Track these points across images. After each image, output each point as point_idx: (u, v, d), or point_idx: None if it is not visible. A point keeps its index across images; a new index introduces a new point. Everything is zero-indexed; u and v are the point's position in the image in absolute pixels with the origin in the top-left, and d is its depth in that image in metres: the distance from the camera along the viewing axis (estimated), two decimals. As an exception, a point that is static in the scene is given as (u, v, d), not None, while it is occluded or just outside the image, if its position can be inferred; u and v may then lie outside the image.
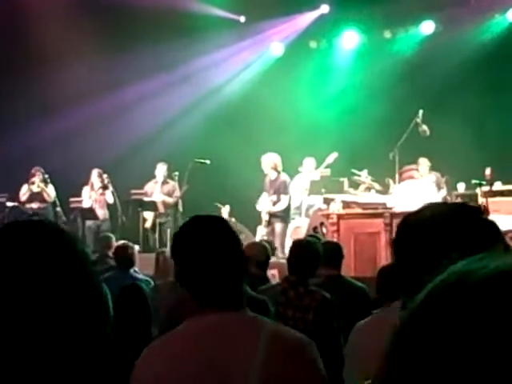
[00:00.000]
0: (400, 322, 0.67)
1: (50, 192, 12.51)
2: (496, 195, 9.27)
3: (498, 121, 12.22)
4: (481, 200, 9.06)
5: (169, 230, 11.88)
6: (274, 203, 11.36)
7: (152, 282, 6.89)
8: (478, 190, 9.45)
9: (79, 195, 12.51)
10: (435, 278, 0.68)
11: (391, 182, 10.02)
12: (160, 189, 12.22)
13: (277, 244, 10.26)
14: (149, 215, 12.07)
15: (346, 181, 10.37)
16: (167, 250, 8.20)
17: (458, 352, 0.61)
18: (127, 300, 4.58)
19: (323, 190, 10.54)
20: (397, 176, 10.02)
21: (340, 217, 9.27)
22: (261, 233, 11.14)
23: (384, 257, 8.48)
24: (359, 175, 10.35)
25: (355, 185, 10.36)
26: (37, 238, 1.30)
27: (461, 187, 10.99)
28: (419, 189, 9.53)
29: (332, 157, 11.26)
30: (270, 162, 11.44)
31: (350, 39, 14.17)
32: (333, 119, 13.08)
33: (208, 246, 2.14)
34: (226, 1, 13.76)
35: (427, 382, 0.62)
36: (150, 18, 13.11)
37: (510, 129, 12.08)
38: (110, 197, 12.35)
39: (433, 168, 11.39)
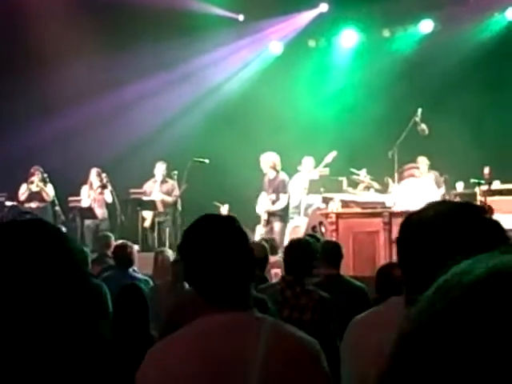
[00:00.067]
0: (406, 324, 0.67)
1: (49, 191, 12.51)
2: (495, 194, 9.27)
3: (497, 119, 12.22)
4: (479, 199, 9.06)
5: (168, 229, 11.89)
6: (273, 202, 11.36)
7: (151, 282, 6.89)
8: (476, 189, 9.45)
9: (78, 194, 12.51)
10: (439, 277, 0.68)
11: (390, 181, 10.02)
12: (159, 188, 12.22)
13: (276, 243, 10.26)
14: (148, 214, 12.07)
15: (344, 180, 10.37)
16: (166, 249, 8.22)
17: (458, 353, 0.61)
18: (126, 300, 4.58)
19: (322, 189, 10.53)
20: (396, 175, 10.02)
21: (339, 216, 9.27)
22: (260, 232, 11.14)
23: (383, 256, 8.48)
24: (358, 174, 10.35)
25: (354, 184, 10.36)
26: (29, 237, 1.30)
27: (459, 186, 10.99)
28: (420, 187, 9.53)
29: (331, 156, 11.25)
30: (268, 161, 11.44)
31: (348, 38, 14.17)
32: (332, 118, 13.08)
33: (218, 245, 2.13)
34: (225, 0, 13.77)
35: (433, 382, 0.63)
36: (149, 17, 13.10)
37: (508, 127, 12.08)
38: (108, 196, 12.35)
39: (431, 167, 11.39)
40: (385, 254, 8.53)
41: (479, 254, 0.68)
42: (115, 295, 4.85)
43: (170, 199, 12.09)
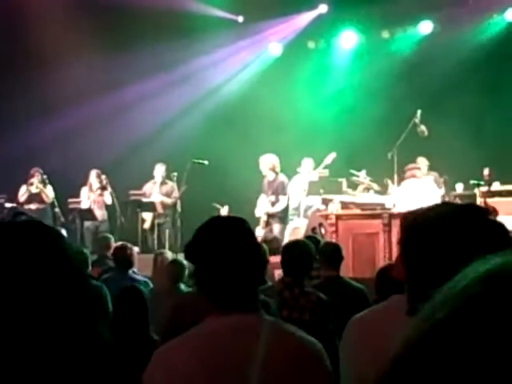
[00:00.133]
0: (408, 332, 0.67)
1: (49, 193, 12.50)
2: (494, 195, 9.27)
3: (497, 121, 12.22)
4: (479, 200, 9.06)
5: (167, 231, 11.89)
6: (273, 204, 11.36)
7: (151, 284, 6.89)
8: (476, 191, 9.46)
9: (78, 196, 12.51)
10: (444, 281, 0.67)
11: (390, 182, 10.01)
12: (158, 189, 12.22)
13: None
14: (147, 216, 12.07)
15: (344, 181, 10.37)
16: (166, 250, 8.22)
17: (458, 363, 0.61)
18: (126, 302, 4.58)
19: (321, 191, 10.53)
20: (395, 176, 10.02)
21: (338, 217, 9.26)
22: (259, 234, 11.13)
23: (382, 257, 8.48)
24: (358, 176, 10.35)
25: (354, 185, 10.35)
26: (26, 239, 1.29)
27: (459, 187, 11.00)
28: (421, 188, 9.53)
29: (330, 157, 11.25)
30: (268, 162, 11.44)
31: (348, 39, 14.17)
32: (331, 119, 13.08)
33: (229, 246, 2.13)
34: (225, 1, 13.76)
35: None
36: (149, 19, 13.10)
37: (508, 129, 12.09)
38: (108, 197, 12.35)
39: (431, 168, 11.40)
40: (384, 255, 8.53)
41: (483, 256, 0.68)
42: (115, 297, 4.85)
43: (169, 201, 12.09)
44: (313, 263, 5.18)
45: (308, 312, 4.85)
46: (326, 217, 9.42)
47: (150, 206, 11.96)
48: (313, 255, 5.17)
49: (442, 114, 11.65)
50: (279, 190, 11.38)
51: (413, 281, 1.66)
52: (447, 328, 0.63)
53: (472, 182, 9.70)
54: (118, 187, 12.42)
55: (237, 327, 2.08)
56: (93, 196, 12.40)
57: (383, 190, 10.17)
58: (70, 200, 12.49)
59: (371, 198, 9.99)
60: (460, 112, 11.93)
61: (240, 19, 14.35)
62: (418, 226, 1.69)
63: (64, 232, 9.99)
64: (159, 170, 12.28)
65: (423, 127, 10.50)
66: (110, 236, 9.06)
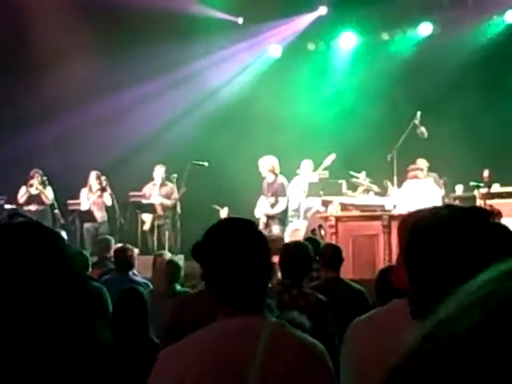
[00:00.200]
0: (419, 338, 0.64)
1: (49, 194, 12.50)
2: (494, 197, 9.27)
3: (496, 122, 12.21)
4: (479, 202, 9.06)
5: (167, 232, 11.89)
6: (273, 205, 11.36)
7: (151, 285, 6.88)
8: (475, 192, 9.46)
9: (77, 197, 12.50)
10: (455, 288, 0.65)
11: (389, 184, 10.01)
12: (158, 191, 12.22)
13: (275, 246, 10.25)
14: (147, 217, 12.06)
15: (344, 183, 10.36)
16: (165, 252, 8.20)
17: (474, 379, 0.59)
18: (125, 303, 4.58)
19: (321, 193, 10.52)
20: (395, 178, 10.02)
21: (338, 219, 9.26)
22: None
23: (382, 259, 8.48)
24: (357, 177, 10.34)
25: (353, 187, 10.35)
26: (24, 241, 1.29)
27: (459, 189, 11.00)
28: (422, 189, 9.53)
29: (330, 159, 11.25)
30: (267, 164, 11.44)
31: (347, 41, 14.18)
32: (331, 121, 13.08)
33: (239, 248, 2.13)
34: (224, 3, 13.77)
35: None
36: (149, 21, 13.10)
37: (508, 130, 12.09)
38: (108, 199, 12.35)
39: (430, 169, 11.40)
40: (384, 257, 8.53)
41: (488, 259, 0.66)
42: (115, 298, 4.85)
43: (169, 202, 12.09)
44: (311, 265, 5.18)
45: (306, 313, 4.85)
46: (326, 218, 9.41)
47: (150, 208, 11.96)
48: (311, 257, 5.16)
49: (442, 116, 11.66)
50: (279, 192, 11.38)
51: (416, 283, 1.66)
52: (470, 344, 0.60)
53: (472, 183, 9.70)
54: (117, 189, 12.42)
55: (242, 329, 2.08)
56: (92, 197, 12.39)
57: (383, 192, 10.16)
58: (70, 201, 12.49)
59: (371, 199, 9.99)
60: (460, 113, 11.93)
61: (240, 21, 14.36)
62: (421, 228, 1.68)
63: (64, 233, 10.00)
64: (159, 171, 12.28)
65: (423, 129, 10.51)
66: (110, 238, 9.05)
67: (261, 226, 11.29)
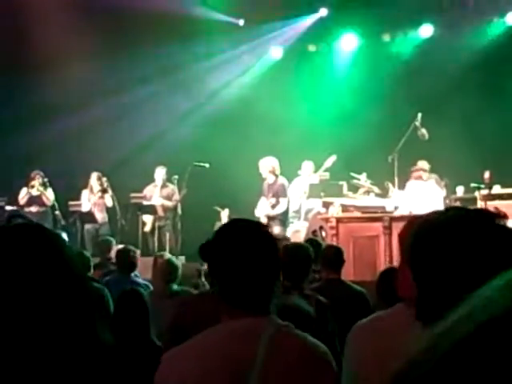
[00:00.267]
0: (423, 347, 0.63)
1: (49, 195, 12.50)
2: (495, 199, 9.27)
3: (497, 124, 12.22)
4: (480, 203, 9.06)
5: (168, 234, 11.89)
6: (273, 206, 11.35)
7: (151, 287, 6.88)
8: (476, 194, 9.46)
9: (78, 199, 12.50)
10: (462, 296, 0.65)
11: (390, 185, 10.01)
12: (159, 192, 12.21)
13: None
14: (148, 219, 12.06)
15: (344, 184, 10.37)
16: (166, 253, 8.20)
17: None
18: (126, 305, 4.58)
19: (322, 194, 10.53)
20: (396, 180, 10.02)
21: (339, 220, 9.26)
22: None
23: (383, 260, 8.48)
24: (358, 179, 10.35)
25: (354, 188, 10.35)
26: (24, 242, 1.29)
27: (460, 190, 10.99)
28: (424, 190, 9.53)
29: (331, 160, 11.25)
30: (267, 165, 11.43)
31: (348, 42, 14.19)
32: (332, 122, 13.09)
33: (249, 250, 2.13)
34: (226, 5, 13.78)
35: None
36: (150, 22, 13.11)
37: (508, 132, 12.10)
38: (109, 200, 12.35)
39: (431, 171, 11.39)
40: (385, 258, 8.53)
41: (494, 261, 0.66)
42: (115, 301, 4.85)
43: (170, 204, 12.09)
44: (312, 266, 5.17)
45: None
46: (327, 220, 9.42)
47: (151, 209, 11.96)
48: (312, 258, 5.16)
49: (443, 117, 11.66)
50: (279, 193, 11.38)
51: (421, 284, 1.65)
52: (455, 357, 0.60)
53: (472, 185, 9.70)
54: (118, 190, 12.42)
55: (246, 331, 2.08)
56: (93, 199, 12.39)
57: (384, 193, 10.16)
58: (71, 203, 12.49)
59: (372, 201, 9.99)
60: (461, 115, 11.94)
61: (241, 23, 14.37)
62: (428, 230, 1.68)
63: (64, 235, 9.99)
64: (160, 172, 12.27)
65: (424, 130, 10.51)
66: (112, 239, 9.05)
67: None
